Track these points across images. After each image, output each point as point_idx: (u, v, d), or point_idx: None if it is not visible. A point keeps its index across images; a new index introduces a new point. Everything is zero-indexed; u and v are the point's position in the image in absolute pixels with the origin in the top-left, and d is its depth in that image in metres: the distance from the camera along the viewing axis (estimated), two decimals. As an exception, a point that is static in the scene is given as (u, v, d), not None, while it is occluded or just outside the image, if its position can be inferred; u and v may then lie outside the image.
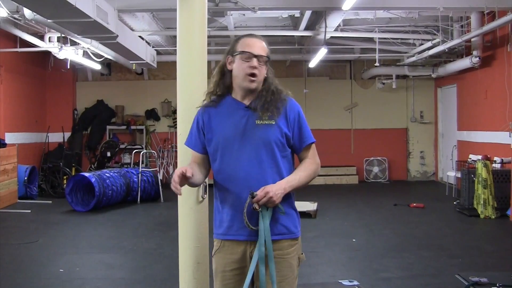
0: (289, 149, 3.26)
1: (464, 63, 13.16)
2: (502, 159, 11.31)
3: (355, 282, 6.40)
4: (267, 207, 3.08)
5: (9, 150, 12.67)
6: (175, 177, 3.00)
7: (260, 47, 3.21)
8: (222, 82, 3.31)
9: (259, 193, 3.03)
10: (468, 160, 12.11)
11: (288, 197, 3.20)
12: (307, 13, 11.48)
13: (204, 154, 3.34)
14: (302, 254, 3.34)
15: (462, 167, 11.98)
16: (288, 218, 3.22)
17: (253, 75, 3.16)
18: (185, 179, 3.03)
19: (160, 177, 14.73)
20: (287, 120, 3.23)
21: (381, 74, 16.74)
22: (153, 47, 14.12)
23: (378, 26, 13.01)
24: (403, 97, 17.67)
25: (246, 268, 3.19)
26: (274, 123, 3.18)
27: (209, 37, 5.03)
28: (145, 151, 15.43)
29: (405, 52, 15.14)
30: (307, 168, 3.26)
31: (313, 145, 3.33)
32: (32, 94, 15.69)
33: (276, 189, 3.05)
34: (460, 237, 9.28)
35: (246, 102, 3.25)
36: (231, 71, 3.26)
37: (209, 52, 4.87)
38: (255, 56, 3.17)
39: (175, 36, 11.21)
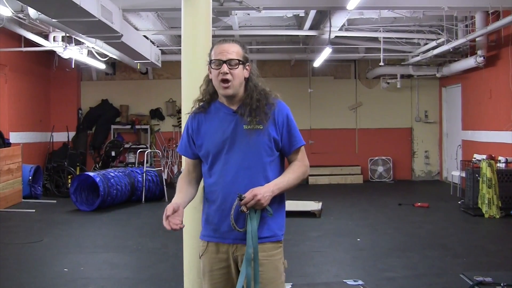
0: (277, 153, 3.27)
1: (469, 62, 13.15)
2: (506, 159, 11.29)
3: (360, 282, 6.39)
4: (255, 210, 3.09)
5: (14, 149, 12.70)
6: (164, 220, 3.08)
7: (230, 52, 3.19)
8: (207, 90, 3.33)
9: (247, 195, 3.04)
10: (473, 159, 12.08)
11: (277, 200, 3.22)
12: (312, 13, 11.49)
13: (196, 159, 3.39)
14: (284, 260, 3.34)
15: (467, 166, 11.95)
16: (273, 221, 3.23)
17: (224, 81, 3.16)
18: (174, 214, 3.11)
19: (164, 176, 14.74)
20: (276, 124, 3.23)
21: (386, 74, 16.73)
22: (157, 46, 14.13)
23: (382, 26, 13.00)
24: (408, 97, 17.65)
25: (230, 267, 3.23)
26: (262, 128, 3.19)
27: (213, 36, 5.03)
28: (149, 150, 15.44)
29: (410, 52, 15.13)
30: (296, 171, 3.27)
31: (303, 148, 3.33)
32: (37, 94, 15.72)
33: (264, 192, 3.07)
34: (465, 237, 9.26)
35: (234, 107, 3.27)
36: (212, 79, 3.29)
37: (213, 52, 4.86)
38: (224, 61, 3.16)
39: (179, 36, 11.22)
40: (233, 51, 3.19)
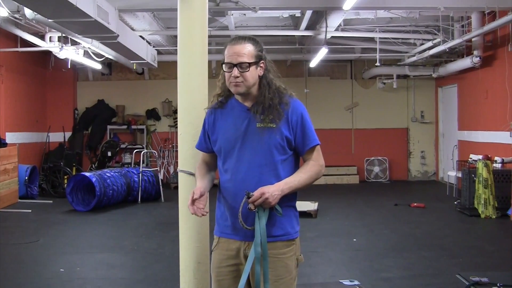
0: (290, 152, 3.26)
1: (465, 63, 13.16)
2: (502, 159, 11.30)
3: (356, 282, 6.40)
4: (263, 208, 3.09)
5: (10, 149, 12.66)
6: (190, 204, 3.14)
7: (241, 54, 3.18)
8: (226, 85, 3.33)
9: (255, 193, 3.04)
10: (469, 160, 12.10)
11: (288, 199, 3.21)
12: (308, 13, 11.49)
13: (211, 153, 3.44)
14: (300, 255, 3.34)
15: (463, 167, 11.97)
16: (286, 220, 3.24)
17: (235, 83, 3.19)
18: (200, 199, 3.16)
19: (160, 177, 14.72)
20: (289, 123, 3.22)
21: (382, 74, 16.73)
22: (153, 46, 14.13)
23: (378, 26, 13.02)
24: (404, 97, 17.66)
25: (240, 265, 3.23)
26: (275, 126, 3.19)
27: (210, 36, 5.03)
28: (145, 151, 15.43)
29: (406, 52, 15.14)
30: (309, 170, 3.25)
31: (318, 147, 3.31)
32: (33, 94, 15.69)
33: (273, 191, 3.06)
34: (461, 237, 9.28)
35: (248, 104, 3.28)
36: None
37: (209, 52, 4.87)
38: (235, 65, 3.17)
39: (175, 36, 11.22)
40: (244, 53, 3.18)
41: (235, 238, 3.25)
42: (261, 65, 3.25)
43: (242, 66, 3.16)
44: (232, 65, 3.17)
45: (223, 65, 3.23)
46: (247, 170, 3.19)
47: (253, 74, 3.20)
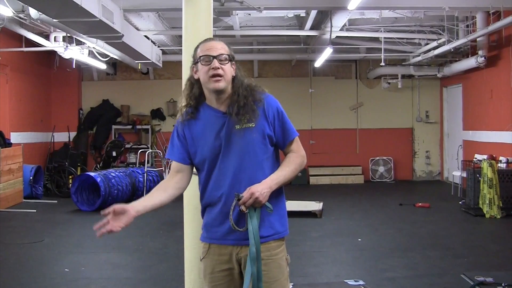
0: (272, 148, 3.23)
1: (470, 62, 13.14)
2: (507, 159, 11.28)
3: (361, 282, 6.39)
4: (254, 208, 3.07)
5: (15, 149, 12.69)
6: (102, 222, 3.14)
7: (218, 48, 3.16)
8: (193, 94, 3.27)
9: (245, 194, 3.02)
10: (474, 159, 12.07)
11: (275, 195, 3.19)
12: (313, 13, 11.48)
13: (188, 164, 3.32)
14: (287, 255, 3.32)
15: (468, 166, 11.93)
16: (275, 219, 3.22)
17: (216, 75, 3.12)
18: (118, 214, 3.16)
19: (165, 176, 14.72)
20: (267, 119, 3.19)
21: (387, 74, 16.71)
22: (158, 46, 14.14)
23: (383, 26, 13.00)
24: (409, 97, 17.65)
25: (233, 269, 3.20)
26: (253, 126, 3.15)
27: (214, 36, 5.01)
28: (150, 150, 15.44)
29: (411, 52, 15.12)
30: (292, 162, 3.23)
31: (297, 138, 3.29)
32: (38, 94, 15.72)
33: (262, 189, 3.04)
34: (466, 237, 9.26)
35: (223, 108, 3.21)
36: (198, 79, 3.22)
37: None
38: (214, 57, 3.13)
39: (180, 36, 11.21)
40: (222, 47, 3.18)
41: (226, 243, 3.20)
42: (233, 66, 3.23)
43: (221, 58, 3.13)
44: (211, 57, 3.12)
45: (200, 60, 3.16)
46: (234, 175, 3.14)
47: (230, 70, 3.18)
